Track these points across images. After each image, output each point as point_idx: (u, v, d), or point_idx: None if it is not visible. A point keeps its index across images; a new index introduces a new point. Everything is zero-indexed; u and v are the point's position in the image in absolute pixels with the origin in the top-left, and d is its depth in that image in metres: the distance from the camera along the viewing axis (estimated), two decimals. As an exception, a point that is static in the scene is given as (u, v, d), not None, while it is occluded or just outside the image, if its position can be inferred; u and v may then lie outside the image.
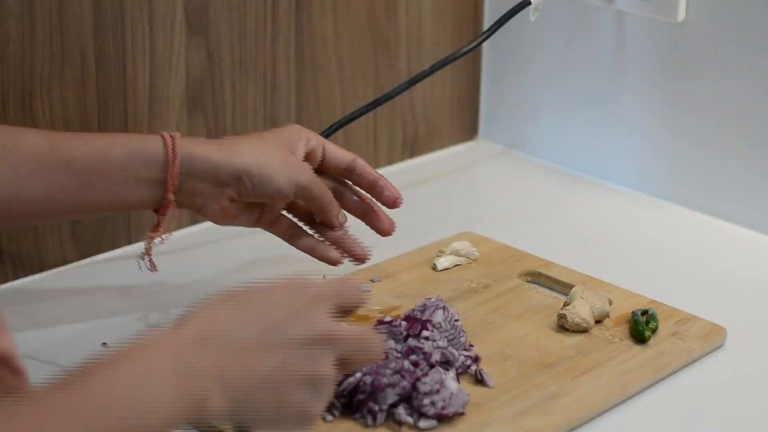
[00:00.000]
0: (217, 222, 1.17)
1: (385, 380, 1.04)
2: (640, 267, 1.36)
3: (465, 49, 1.45)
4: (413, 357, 1.08)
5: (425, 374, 1.05)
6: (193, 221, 1.41)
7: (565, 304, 1.19)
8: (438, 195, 1.54)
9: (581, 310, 1.18)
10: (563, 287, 1.27)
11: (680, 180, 1.50)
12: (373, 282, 1.27)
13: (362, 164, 1.21)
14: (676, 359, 1.15)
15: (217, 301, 0.86)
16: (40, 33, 1.23)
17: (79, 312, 1.23)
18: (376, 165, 1.58)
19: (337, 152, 1.21)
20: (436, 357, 1.08)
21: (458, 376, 1.09)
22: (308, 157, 1.19)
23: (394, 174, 1.58)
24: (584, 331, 1.18)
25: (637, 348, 1.16)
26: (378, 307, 1.22)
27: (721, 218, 1.46)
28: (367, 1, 1.50)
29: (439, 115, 1.64)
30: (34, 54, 1.23)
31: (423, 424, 1.03)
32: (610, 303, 1.21)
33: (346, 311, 0.91)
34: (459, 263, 1.31)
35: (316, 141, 1.19)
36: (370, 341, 0.91)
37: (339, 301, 0.90)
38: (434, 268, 1.30)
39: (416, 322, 1.11)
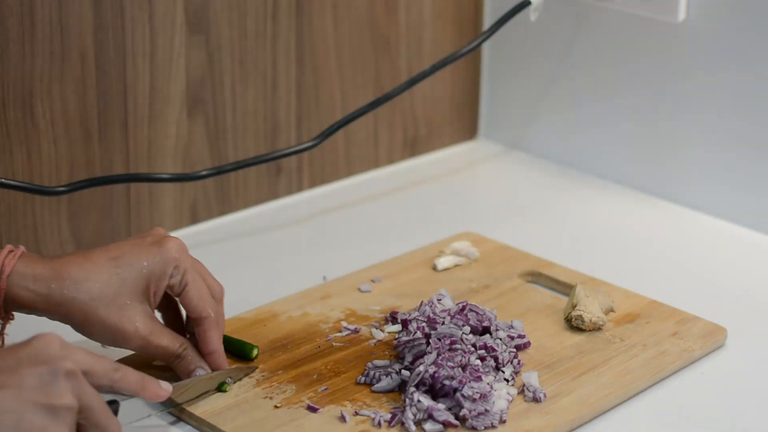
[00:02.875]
0: None
1: (443, 372, 1.05)
2: (640, 267, 1.36)
3: (465, 49, 1.45)
4: (482, 352, 1.11)
5: (477, 378, 1.06)
6: (194, 221, 1.41)
7: (573, 306, 1.19)
8: (438, 195, 1.54)
9: (594, 308, 1.19)
10: (563, 287, 1.27)
11: (680, 180, 1.50)
12: (373, 282, 1.27)
13: (209, 328, 1.08)
14: (676, 359, 1.15)
15: None
16: (40, 33, 1.23)
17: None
18: (376, 165, 1.58)
19: (194, 302, 1.07)
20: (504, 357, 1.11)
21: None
22: (168, 289, 1.08)
23: (394, 174, 1.58)
24: (599, 328, 1.18)
25: (638, 348, 1.16)
26: (378, 307, 1.22)
27: (721, 218, 1.46)
28: (367, 1, 1.50)
29: (439, 115, 1.64)
30: (34, 54, 1.23)
31: (428, 427, 1.03)
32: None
33: (86, 372, 0.92)
34: (459, 263, 1.31)
35: (178, 279, 1.07)
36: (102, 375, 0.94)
37: (77, 357, 0.92)
38: (434, 268, 1.30)
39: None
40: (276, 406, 1.06)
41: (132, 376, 0.97)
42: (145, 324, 1.05)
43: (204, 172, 1.35)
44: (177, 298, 1.09)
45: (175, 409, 1.06)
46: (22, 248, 1.04)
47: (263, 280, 1.30)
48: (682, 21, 1.43)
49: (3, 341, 1.07)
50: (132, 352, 1.09)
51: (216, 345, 1.08)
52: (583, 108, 1.57)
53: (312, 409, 1.06)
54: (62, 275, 1.03)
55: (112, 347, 1.07)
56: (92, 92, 1.29)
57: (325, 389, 1.09)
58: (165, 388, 1.00)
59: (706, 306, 1.25)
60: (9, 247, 1.04)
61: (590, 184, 1.56)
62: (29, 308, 1.04)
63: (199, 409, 1.05)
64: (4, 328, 1.06)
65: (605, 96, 1.54)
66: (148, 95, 1.33)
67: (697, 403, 1.11)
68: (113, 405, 1.00)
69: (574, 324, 1.19)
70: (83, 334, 1.05)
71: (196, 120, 1.38)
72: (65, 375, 0.90)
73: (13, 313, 1.05)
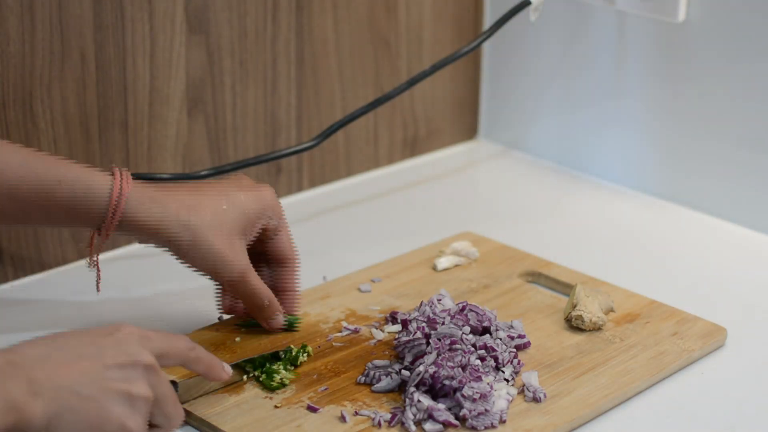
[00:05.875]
0: None
1: (443, 372, 1.05)
2: (640, 267, 1.36)
3: (465, 49, 1.45)
4: (482, 352, 1.11)
5: (477, 378, 1.06)
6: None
7: (573, 306, 1.19)
8: (438, 195, 1.54)
9: (594, 308, 1.19)
10: (563, 287, 1.27)
11: (680, 180, 1.50)
12: (373, 282, 1.27)
13: (293, 270, 1.16)
14: (676, 359, 1.15)
15: (29, 340, 0.90)
16: (40, 33, 1.23)
17: (79, 312, 1.23)
18: (376, 165, 1.58)
19: (285, 245, 1.15)
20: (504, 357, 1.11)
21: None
22: (261, 234, 1.14)
23: (394, 174, 1.58)
24: (599, 328, 1.18)
25: (638, 348, 1.16)
26: (378, 307, 1.22)
27: (721, 218, 1.46)
28: (367, 1, 1.50)
29: (439, 115, 1.64)
30: (34, 54, 1.23)
31: (428, 427, 1.03)
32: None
33: (162, 355, 0.95)
34: (459, 263, 1.31)
35: (276, 223, 1.14)
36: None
37: (154, 345, 0.94)
38: (434, 268, 1.30)
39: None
40: (276, 406, 1.06)
41: (204, 356, 1.00)
42: (246, 259, 1.10)
43: (204, 172, 1.35)
44: (266, 242, 1.14)
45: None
46: (127, 171, 1.07)
47: (263, 280, 1.30)
48: (682, 21, 1.43)
49: (98, 259, 1.11)
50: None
51: (295, 285, 1.16)
52: (583, 108, 1.57)
53: (312, 409, 1.06)
54: (174, 198, 1.07)
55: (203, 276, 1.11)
56: (92, 92, 1.29)
57: (325, 389, 1.09)
58: (227, 370, 1.03)
59: (706, 306, 1.25)
60: (117, 169, 1.06)
61: (590, 184, 1.56)
62: (140, 230, 1.06)
63: (199, 409, 1.05)
64: (100, 246, 1.08)
65: (605, 96, 1.54)
66: (148, 95, 1.33)
67: (697, 403, 1.11)
68: (174, 386, 1.02)
69: (574, 324, 1.19)
70: (183, 259, 1.09)
71: (196, 120, 1.38)
72: (144, 368, 0.92)
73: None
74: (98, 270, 1.12)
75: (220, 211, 1.09)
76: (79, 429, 0.87)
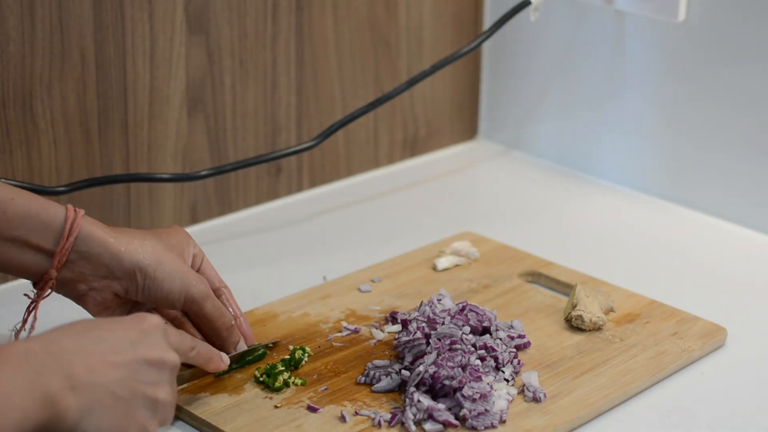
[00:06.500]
0: (91, 312, 1.08)
1: (443, 372, 1.06)
2: (640, 267, 1.36)
3: (465, 49, 1.45)
4: (482, 352, 1.11)
5: (477, 378, 1.06)
6: (194, 221, 1.41)
7: (573, 306, 1.19)
8: (438, 195, 1.54)
9: (593, 308, 1.19)
10: (563, 287, 1.27)
11: (680, 180, 1.50)
12: (374, 282, 1.27)
13: (227, 297, 1.13)
14: (676, 359, 1.15)
15: (63, 327, 0.90)
16: (40, 33, 1.23)
17: (79, 312, 1.22)
18: (376, 165, 1.58)
19: (212, 273, 1.13)
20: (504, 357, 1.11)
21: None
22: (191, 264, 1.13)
23: (394, 174, 1.58)
24: (599, 328, 1.18)
25: (638, 348, 1.16)
26: (378, 307, 1.22)
27: (721, 218, 1.46)
28: (367, 1, 1.50)
29: (439, 115, 1.64)
30: (34, 54, 1.23)
31: (428, 427, 1.03)
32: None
33: (175, 350, 0.96)
34: (459, 263, 1.31)
35: (199, 251, 1.13)
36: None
37: (171, 339, 0.96)
38: (434, 268, 1.30)
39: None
40: (276, 406, 1.06)
41: (204, 350, 1.02)
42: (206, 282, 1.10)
43: (204, 172, 1.35)
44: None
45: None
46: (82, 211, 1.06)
47: (263, 280, 1.30)
48: (682, 21, 1.44)
49: (37, 308, 1.09)
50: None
51: (240, 310, 1.13)
52: (583, 108, 1.57)
53: (312, 409, 1.06)
54: (122, 241, 1.06)
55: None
56: (92, 92, 1.29)
57: (325, 389, 1.09)
58: (225, 360, 1.05)
59: (706, 306, 1.25)
60: (71, 207, 1.05)
61: (590, 184, 1.57)
62: (102, 248, 1.05)
63: (199, 409, 1.05)
64: (50, 290, 1.07)
65: (605, 96, 1.54)
66: (148, 95, 1.33)
67: (696, 403, 1.11)
68: None
69: (574, 324, 1.19)
70: (146, 292, 1.06)
71: (196, 120, 1.38)
72: (171, 369, 0.93)
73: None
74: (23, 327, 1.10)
75: (163, 246, 1.08)
76: (105, 426, 0.88)
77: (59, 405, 0.85)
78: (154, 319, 0.94)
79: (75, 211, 1.04)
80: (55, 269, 1.04)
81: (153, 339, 0.93)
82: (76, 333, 0.90)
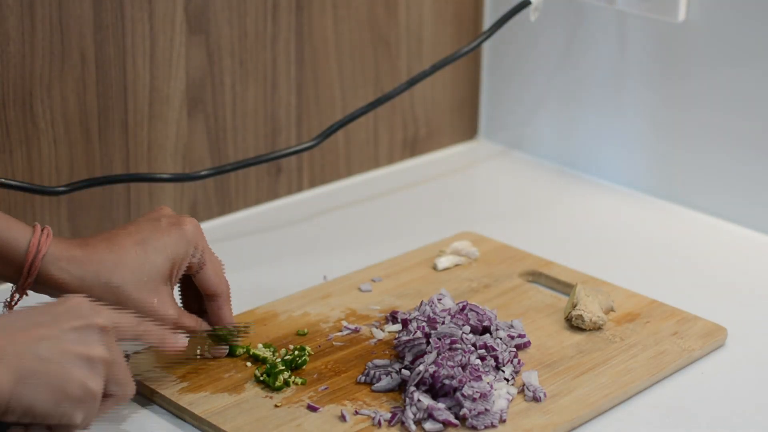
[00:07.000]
0: None
1: (443, 371, 1.05)
2: (640, 267, 1.36)
3: (465, 49, 1.45)
4: (482, 352, 1.11)
5: (477, 378, 1.06)
6: (193, 221, 1.41)
7: (573, 305, 1.19)
8: (438, 195, 1.54)
9: (594, 308, 1.19)
10: (563, 287, 1.27)
11: (680, 180, 1.50)
12: (374, 282, 1.27)
13: (223, 303, 1.12)
14: (677, 359, 1.15)
15: None
16: (40, 33, 1.23)
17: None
18: (376, 165, 1.58)
19: (211, 279, 1.11)
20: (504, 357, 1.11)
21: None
22: (186, 270, 1.11)
23: (394, 174, 1.58)
24: (599, 328, 1.18)
25: (638, 347, 1.16)
26: (378, 307, 1.22)
27: (722, 218, 1.46)
28: (367, 1, 1.50)
29: (439, 115, 1.64)
30: (34, 54, 1.23)
31: (428, 426, 1.03)
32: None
33: (113, 326, 0.95)
34: (459, 263, 1.31)
35: (198, 258, 1.10)
36: (140, 330, 1.00)
37: (104, 314, 0.95)
38: (434, 267, 1.31)
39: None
40: (276, 406, 1.06)
41: (154, 329, 1.01)
42: (175, 307, 1.09)
43: (204, 172, 1.35)
44: (193, 276, 1.12)
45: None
46: (48, 228, 1.05)
47: (263, 280, 1.30)
48: (682, 21, 1.44)
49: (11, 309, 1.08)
50: (146, 346, 1.11)
51: (229, 318, 1.13)
52: (583, 108, 1.57)
53: (312, 409, 1.06)
54: (94, 259, 1.05)
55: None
56: (92, 92, 1.29)
57: (326, 388, 1.09)
58: (182, 338, 1.04)
59: (706, 306, 1.25)
60: (38, 225, 1.05)
61: (590, 184, 1.57)
62: (61, 289, 1.05)
63: (200, 408, 1.05)
64: (16, 303, 1.07)
65: (605, 96, 1.54)
66: (148, 95, 1.33)
67: (697, 403, 1.11)
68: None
69: (574, 323, 1.19)
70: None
71: (196, 120, 1.38)
72: (99, 329, 0.93)
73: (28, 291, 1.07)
74: None
75: (141, 266, 1.07)
76: (43, 393, 0.88)
77: None
78: (77, 298, 0.94)
79: (38, 245, 1.04)
80: (21, 297, 1.06)
81: (77, 309, 0.93)
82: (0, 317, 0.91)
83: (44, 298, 1.03)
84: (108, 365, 0.93)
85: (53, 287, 1.05)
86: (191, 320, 1.10)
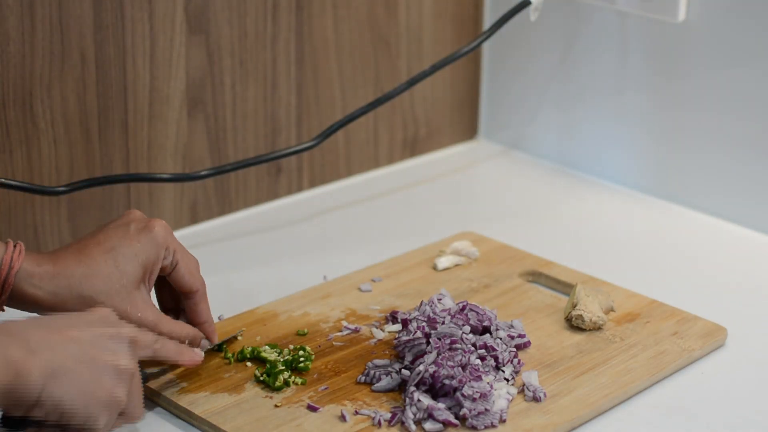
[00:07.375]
0: None
1: (443, 371, 1.06)
2: (640, 267, 1.36)
3: (465, 49, 1.45)
4: (482, 352, 1.11)
5: (477, 378, 1.06)
6: (194, 221, 1.41)
7: (573, 305, 1.19)
8: (438, 195, 1.54)
9: (594, 308, 1.19)
10: (563, 287, 1.27)
11: (680, 180, 1.50)
12: (374, 282, 1.27)
13: (200, 301, 1.12)
14: (677, 359, 1.15)
15: (13, 321, 0.90)
16: (40, 33, 1.23)
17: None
18: (376, 165, 1.58)
19: (185, 278, 1.10)
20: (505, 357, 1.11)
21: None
22: (160, 271, 1.10)
23: (394, 174, 1.58)
24: (599, 328, 1.18)
25: (638, 347, 1.16)
26: (378, 307, 1.22)
27: (721, 218, 1.46)
28: (367, 1, 1.50)
29: (439, 115, 1.64)
30: (34, 54, 1.23)
31: (428, 426, 1.03)
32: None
33: (134, 341, 0.96)
34: (459, 263, 1.31)
35: (170, 260, 1.09)
36: (165, 350, 1.01)
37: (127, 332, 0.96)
38: (434, 267, 1.31)
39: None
40: (276, 406, 1.06)
41: (171, 345, 1.02)
42: (152, 311, 1.08)
43: (204, 172, 1.34)
44: (167, 277, 1.11)
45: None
46: (21, 244, 1.05)
47: (263, 280, 1.30)
48: (682, 21, 1.44)
49: None
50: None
51: (207, 316, 1.13)
52: (583, 108, 1.57)
53: (312, 409, 1.06)
54: (65, 273, 1.05)
55: None
56: (92, 92, 1.29)
57: (326, 388, 1.09)
58: (198, 353, 1.06)
59: (706, 306, 1.25)
60: (11, 242, 1.04)
61: (590, 184, 1.57)
62: (35, 305, 1.04)
63: (200, 408, 1.05)
64: None
65: (605, 96, 1.54)
66: (148, 95, 1.33)
67: (697, 403, 1.11)
68: (142, 373, 1.04)
69: (574, 323, 1.19)
70: None
71: (196, 120, 1.38)
72: (129, 341, 0.94)
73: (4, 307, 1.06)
74: None
75: (111, 274, 1.06)
76: (74, 392, 0.88)
77: (22, 367, 0.86)
78: (105, 310, 0.95)
79: (10, 261, 1.03)
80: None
81: (107, 319, 0.94)
82: (29, 320, 0.91)
83: (23, 314, 1.03)
84: (131, 378, 0.93)
85: (27, 303, 1.04)
86: (171, 324, 1.09)
